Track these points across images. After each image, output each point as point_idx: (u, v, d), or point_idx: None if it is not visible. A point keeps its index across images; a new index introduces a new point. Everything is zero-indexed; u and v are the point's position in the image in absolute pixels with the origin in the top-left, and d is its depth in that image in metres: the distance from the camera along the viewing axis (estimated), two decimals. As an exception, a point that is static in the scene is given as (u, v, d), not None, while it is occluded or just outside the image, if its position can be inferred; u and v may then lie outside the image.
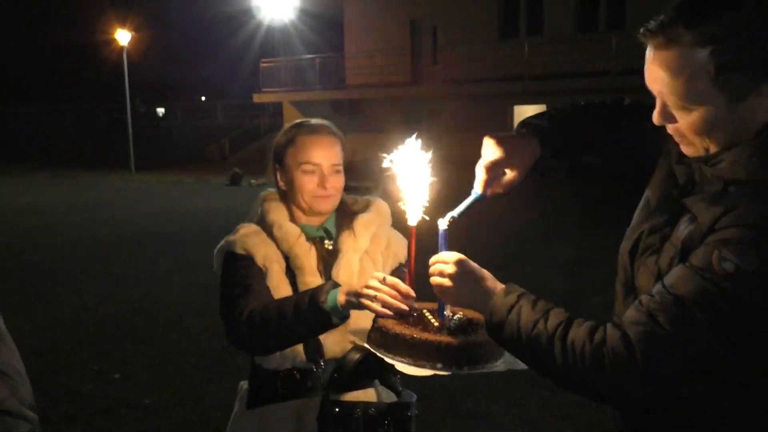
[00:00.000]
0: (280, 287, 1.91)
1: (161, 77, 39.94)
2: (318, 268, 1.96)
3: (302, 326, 1.74)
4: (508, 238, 10.23)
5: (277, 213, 2.00)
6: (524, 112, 22.25)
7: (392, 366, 1.63)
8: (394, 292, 1.60)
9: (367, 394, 1.94)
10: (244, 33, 29.06)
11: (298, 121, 2.10)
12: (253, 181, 21.61)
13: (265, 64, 26.54)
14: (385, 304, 1.59)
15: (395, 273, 1.98)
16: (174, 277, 8.37)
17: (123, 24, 26.56)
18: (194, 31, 39.58)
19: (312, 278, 1.93)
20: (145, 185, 21.64)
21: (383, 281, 1.62)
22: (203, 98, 48.59)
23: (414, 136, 1.56)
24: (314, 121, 2.08)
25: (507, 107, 21.78)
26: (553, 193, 13.24)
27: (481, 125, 24.71)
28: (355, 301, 1.65)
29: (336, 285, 1.73)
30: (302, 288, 1.90)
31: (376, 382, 1.98)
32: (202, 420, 4.30)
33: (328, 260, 1.99)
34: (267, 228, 1.98)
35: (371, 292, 1.61)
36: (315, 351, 1.91)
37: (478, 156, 1.60)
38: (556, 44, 20.30)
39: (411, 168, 1.57)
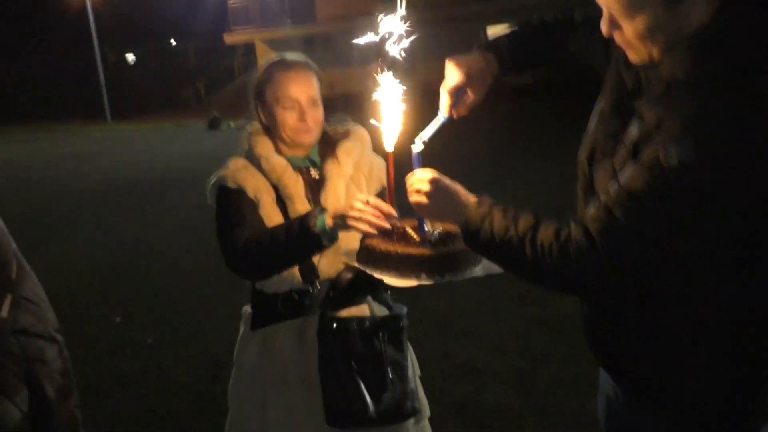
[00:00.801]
0: (272, 216, 2.01)
1: (126, 20, 38.84)
2: (306, 196, 2.05)
3: (295, 250, 1.86)
4: (492, 157, 10.38)
5: (264, 146, 2.08)
6: (496, 32, 22.06)
7: (382, 281, 1.79)
8: (377, 212, 1.73)
9: (361, 310, 2.08)
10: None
11: (274, 57, 2.14)
12: (232, 123, 21.44)
13: (233, 2, 25.98)
14: (369, 224, 1.73)
15: (380, 195, 2.08)
16: (163, 221, 8.51)
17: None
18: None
19: (302, 206, 2.02)
20: (123, 134, 21.48)
21: (366, 203, 1.74)
22: (173, 41, 47.47)
23: (387, 67, 1.69)
24: (290, 56, 2.12)
25: (480, 29, 21.61)
26: (534, 110, 13.31)
27: (456, 49, 24.26)
28: (342, 222, 1.77)
29: (323, 210, 1.84)
30: (293, 216, 1.99)
31: (369, 298, 2.12)
32: (204, 352, 4.49)
33: (315, 188, 2.08)
34: (255, 161, 2.06)
35: (356, 213, 1.73)
36: (310, 273, 2.03)
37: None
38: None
39: (386, 96, 1.69)
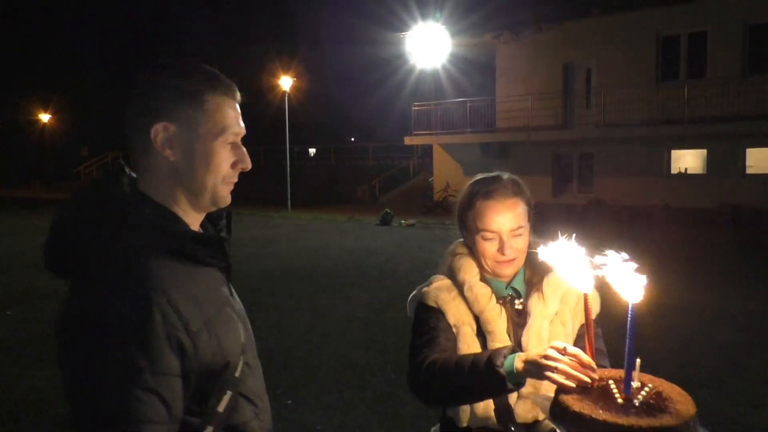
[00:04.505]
0: (472, 348, 1.91)
1: (316, 120, 41.84)
2: (508, 331, 1.95)
3: (477, 386, 1.72)
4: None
5: (468, 271, 1.99)
6: (681, 156, 21.37)
7: None
8: (575, 364, 1.55)
9: None
10: (396, 78, 30.00)
11: (477, 177, 2.05)
12: (403, 221, 22.13)
13: (417, 107, 27.26)
14: (566, 375, 1.54)
15: (583, 330, 1.90)
16: (335, 311, 8.78)
17: (286, 70, 28.32)
18: (348, 77, 41.30)
19: (502, 344, 1.87)
20: (300, 223, 22.72)
21: (563, 351, 1.57)
22: (352, 139, 50.34)
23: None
24: (492, 179, 2.02)
25: (663, 151, 21.04)
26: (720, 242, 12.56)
27: (635, 169, 24.05)
28: (534, 370, 1.60)
29: (515, 350, 1.70)
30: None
31: None
32: None
33: (517, 322, 1.97)
34: (458, 286, 1.99)
35: (551, 363, 1.56)
36: (505, 415, 1.91)
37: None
38: (719, 86, 19.46)
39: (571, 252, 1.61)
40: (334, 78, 41.45)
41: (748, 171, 19.81)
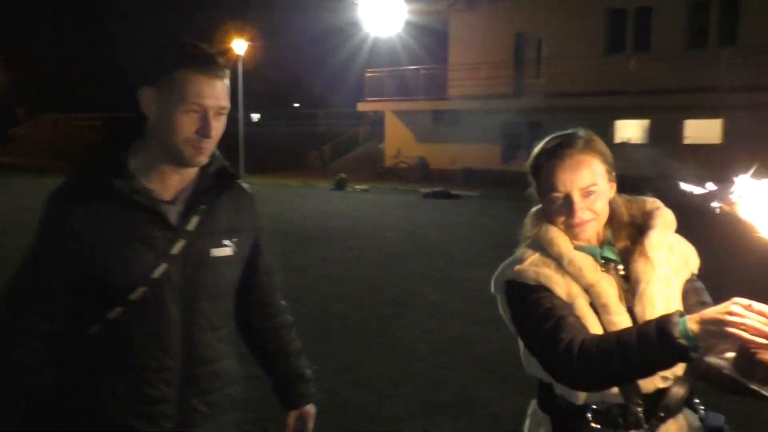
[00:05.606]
0: (589, 323, 1.74)
1: (268, 86, 41.59)
2: (620, 301, 1.78)
3: (651, 361, 1.58)
4: None
5: (562, 243, 1.80)
6: (624, 126, 22.33)
7: (692, 392, 1.77)
8: (763, 319, 1.44)
9: (678, 423, 1.82)
10: (350, 45, 30.13)
11: (552, 137, 1.88)
12: (357, 186, 22.59)
13: (370, 74, 27.55)
14: (756, 332, 1.43)
15: (688, 286, 1.84)
16: (309, 270, 9.23)
17: (240, 34, 28.14)
18: (302, 44, 41.13)
19: (619, 317, 1.75)
20: (256, 188, 22.74)
21: (749, 308, 1.46)
22: (296, 105, 50.27)
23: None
24: (558, 136, 1.87)
25: (608, 121, 21.93)
26: None
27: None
28: (715, 329, 1.47)
29: (682, 314, 1.56)
30: (609, 327, 1.74)
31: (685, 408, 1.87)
32: (362, 383, 5.02)
33: (627, 289, 1.81)
34: (554, 258, 1.81)
35: (737, 320, 1.44)
36: (630, 388, 1.77)
37: None
38: (663, 60, 20.38)
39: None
40: (286, 45, 41.14)
41: (686, 141, 20.88)
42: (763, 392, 1.44)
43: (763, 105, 18.26)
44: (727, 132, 20.13)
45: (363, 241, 11.77)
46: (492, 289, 1.89)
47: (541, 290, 1.76)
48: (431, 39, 27.45)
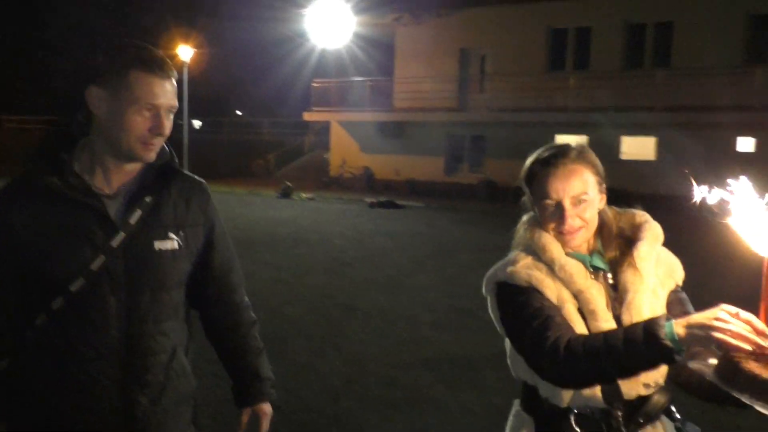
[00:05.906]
0: (575, 325, 1.78)
1: (212, 93, 41.25)
2: (608, 309, 1.83)
3: (636, 361, 1.60)
4: None
5: (554, 249, 1.86)
6: (564, 141, 23.01)
7: (671, 401, 1.82)
8: (749, 327, 1.47)
9: (656, 429, 1.87)
10: (298, 55, 30.23)
11: (546, 148, 1.96)
12: (303, 194, 22.69)
13: (316, 84, 27.71)
14: (740, 338, 1.46)
15: (673, 297, 1.89)
16: (259, 275, 9.33)
17: (186, 40, 27.93)
18: (249, 52, 40.94)
19: (606, 324, 1.78)
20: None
21: (736, 315, 1.49)
22: (238, 113, 49.93)
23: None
24: (553, 147, 1.95)
25: (548, 136, 22.61)
26: None
27: (523, 152, 25.20)
28: (701, 334, 1.49)
29: (668, 318, 1.58)
30: (594, 331, 1.77)
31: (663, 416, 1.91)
32: (317, 382, 5.18)
33: (614, 297, 1.85)
34: (546, 263, 1.86)
35: (722, 325, 1.47)
36: (613, 393, 1.81)
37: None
38: (601, 79, 21.20)
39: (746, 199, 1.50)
40: (231, 53, 40.89)
41: (622, 157, 21.72)
42: (744, 400, 1.44)
43: (693, 124, 19.21)
44: (660, 149, 21.04)
45: (311, 248, 11.92)
46: (483, 291, 1.94)
47: (532, 292, 1.81)
48: (378, 51, 27.75)
